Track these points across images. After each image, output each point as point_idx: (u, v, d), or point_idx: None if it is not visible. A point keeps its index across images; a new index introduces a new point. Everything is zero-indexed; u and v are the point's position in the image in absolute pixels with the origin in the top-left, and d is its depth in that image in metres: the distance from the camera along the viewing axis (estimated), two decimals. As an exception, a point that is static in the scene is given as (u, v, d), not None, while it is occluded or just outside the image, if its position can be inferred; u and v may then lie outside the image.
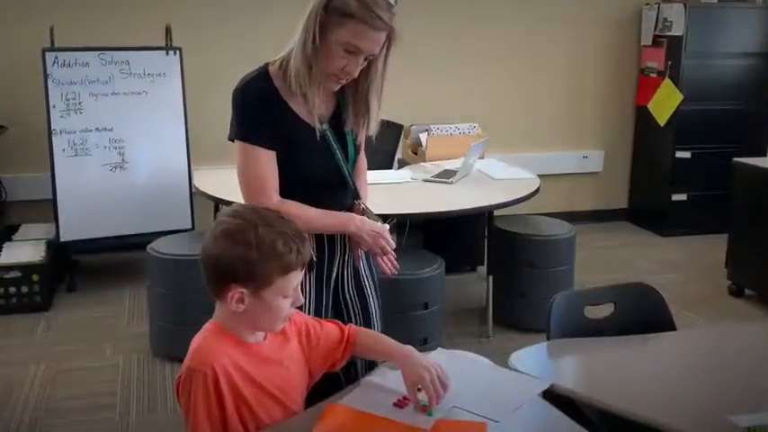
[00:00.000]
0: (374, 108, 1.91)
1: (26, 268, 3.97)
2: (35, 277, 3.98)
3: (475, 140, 3.99)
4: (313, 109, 1.82)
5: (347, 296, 2.04)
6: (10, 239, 4.34)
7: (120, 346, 3.61)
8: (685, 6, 5.11)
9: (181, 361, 1.51)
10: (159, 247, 3.47)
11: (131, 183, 4.31)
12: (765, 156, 4.33)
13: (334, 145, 1.91)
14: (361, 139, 2.00)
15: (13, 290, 3.95)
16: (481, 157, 4.13)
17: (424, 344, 3.20)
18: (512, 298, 3.76)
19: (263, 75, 1.85)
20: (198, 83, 4.55)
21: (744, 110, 5.36)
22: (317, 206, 1.88)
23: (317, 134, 1.85)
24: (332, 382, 1.74)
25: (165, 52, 4.35)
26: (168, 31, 4.42)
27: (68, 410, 3.04)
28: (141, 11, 4.64)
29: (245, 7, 4.84)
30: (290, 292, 1.51)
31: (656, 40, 5.39)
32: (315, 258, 1.91)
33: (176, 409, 2.91)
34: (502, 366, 1.81)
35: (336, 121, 1.92)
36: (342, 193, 1.98)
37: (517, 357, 1.85)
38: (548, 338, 2.05)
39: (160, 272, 3.42)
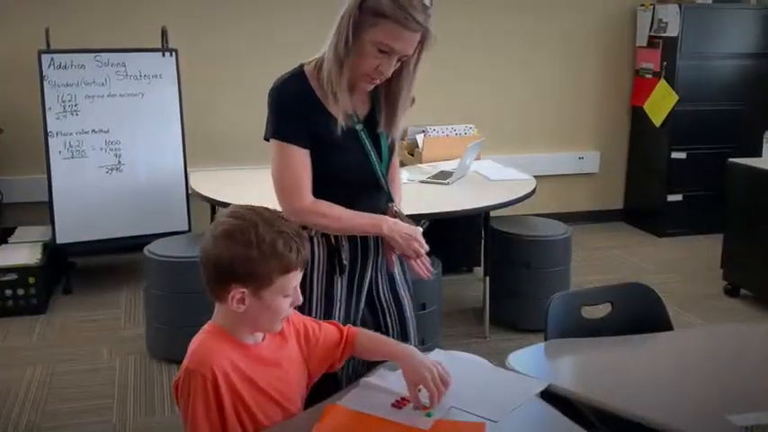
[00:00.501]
0: (401, 110, 1.91)
1: (22, 271, 3.96)
2: (31, 280, 3.97)
3: (471, 142, 3.99)
4: (341, 109, 1.81)
5: (382, 300, 2.03)
6: (6, 242, 4.33)
7: (116, 349, 3.61)
8: (680, 7, 5.12)
9: (178, 363, 1.51)
10: (156, 248, 3.47)
11: (128, 185, 4.30)
12: (760, 156, 4.34)
13: (369, 145, 1.90)
14: (391, 141, 1.99)
15: (9, 292, 3.94)
16: (477, 159, 4.13)
17: (421, 344, 3.18)
18: (508, 298, 3.77)
19: (298, 74, 1.86)
20: (194, 84, 4.55)
21: (739, 110, 5.37)
22: (351, 208, 1.87)
23: (340, 130, 1.82)
24: (331, 382, 1.74)
25: (161, 54, 4.34)
26: (164, 32, 4.41)
27: (65, 413, 3.03)
28: (137, 12, 4.63)
29: (242, 8, 4.83)
30: (290, 291, 1.52)
31: (652, 41, 5.41)
32: (346, 262, 1.91)
33: (174, 411, 2.92)
34: (499, 367, 1.81)
35: (371, 121, 1.92)
36: (376, 195, 1.96)
37: (515, 357, 1.85)
38: (545, 339, 2.06)
39: (157, 274, 3.42)
